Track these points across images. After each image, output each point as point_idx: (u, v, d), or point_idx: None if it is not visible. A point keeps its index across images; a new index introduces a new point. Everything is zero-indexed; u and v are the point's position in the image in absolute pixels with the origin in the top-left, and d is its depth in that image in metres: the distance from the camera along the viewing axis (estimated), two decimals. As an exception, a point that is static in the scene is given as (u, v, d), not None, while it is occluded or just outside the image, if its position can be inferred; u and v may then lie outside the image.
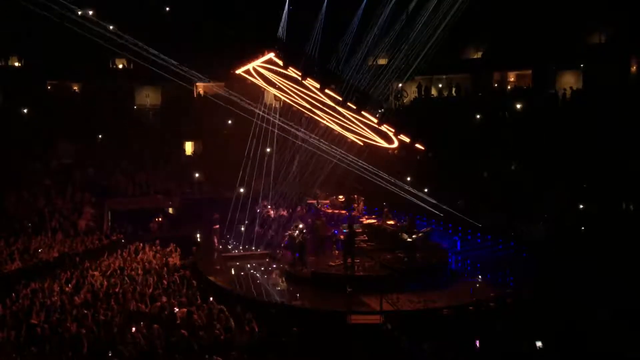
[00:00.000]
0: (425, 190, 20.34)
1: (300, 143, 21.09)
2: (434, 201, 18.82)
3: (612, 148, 21.45)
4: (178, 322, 12.14)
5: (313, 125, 20.87)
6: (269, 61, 15.13)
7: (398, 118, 15.42)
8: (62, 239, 21.97)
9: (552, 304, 13.67)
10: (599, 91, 27.04)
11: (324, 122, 19.61)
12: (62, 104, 32.21)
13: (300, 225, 17.78)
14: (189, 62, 19.54)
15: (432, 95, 33.19)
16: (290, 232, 17.58)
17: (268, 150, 22.23)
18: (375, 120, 15.18)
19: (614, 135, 21.69)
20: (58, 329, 11.86)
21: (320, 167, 20.59)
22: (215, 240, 20.80)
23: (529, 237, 19.75)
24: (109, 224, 25.82)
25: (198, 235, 22.49)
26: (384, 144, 17.96)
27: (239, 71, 18.44)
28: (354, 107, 14.94)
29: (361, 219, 19.58)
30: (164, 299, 13.74)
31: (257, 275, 17.35)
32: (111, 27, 17.84)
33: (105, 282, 15.81)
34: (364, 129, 17.13)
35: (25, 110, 31.47)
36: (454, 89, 32.92)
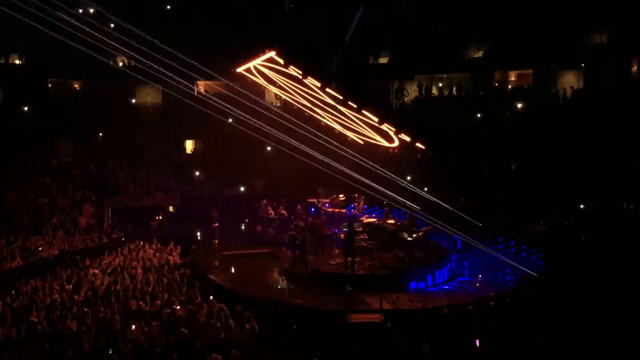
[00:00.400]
0: (425, 189, 20.32)
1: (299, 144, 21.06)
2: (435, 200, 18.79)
3: (613, 148, 21.46)
4: (178, 320, 12.16)
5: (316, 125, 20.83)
6: (270, 60, 15.14)
7: (399, 117, 15.42)
8: (63, 236, 21.95)
9: (552, 303, 13.71)
10: (599, 91, 27.07)
11: (325, 120, 19.60)
12: (63, 102, 32.22)
13: (301, 224, 17.78)
14: (190, 60, 19.52)
15: (433, 94, 33.17)
16: (291, 232, 17.57)
17: (269, 148, 22.24)
18: (376, 119, 15.19)
19: (615, 135, 21.70)
20: (58, 326, 11.88)
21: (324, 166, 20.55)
22: (215, 239, 20.80)
23: (529, 237, 19.76)
24: (110, 222, 25.82)
25: (198, 234, 22.49)
26: (385, 143, 17.97)
27: (239, 69, 18.44)
28: (355, 106, 14.94)
29: (361, 218, 19.58)
30: (165, 297, 13.76)
31: (258, 273, 17.35)
32: (112, 25, 17.85)
33: (106, 280, 15.83)
34: (364, 128, 17.14)
35: (26, 109, 31.46)
36: (454, 88, 32.89)
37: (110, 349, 10.61)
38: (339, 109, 16.30)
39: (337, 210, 21.18)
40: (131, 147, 30.22)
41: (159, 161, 30.08)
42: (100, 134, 31.48)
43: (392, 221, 18.67)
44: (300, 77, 14.73)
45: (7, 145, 26.98)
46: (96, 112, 30.77)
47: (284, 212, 21.86)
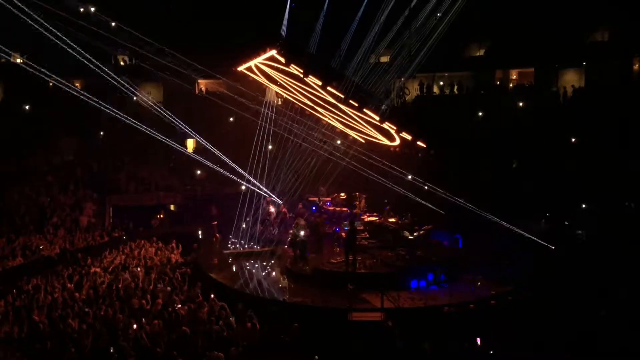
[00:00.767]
0: (426, 187, 20.33)
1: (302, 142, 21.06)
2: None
3: (614, 146, 21.44)
4: (180, 318, 12.18)
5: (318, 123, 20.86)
6: (271, 58, 15.09)
7: (400, 115, 15.40)
8: (64, 235, 21.99)
9: (552, 302, 13.70)
10: (600, 89, 27.04)
11: (326, 119, 19.60)
12: (64, 101, 32.23)
13: (302, 223, 17.77)
14: (191, 59, 19.56)
15: (434, 93, 33.16)
16: (292, 231, 17.58)
17: (270, 147, 22.21)
18: (378, 118, 15.15)
19: (616, 134, 21.68)
20: (60, 325, 11.90)
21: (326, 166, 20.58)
22: (215, 237, 20.80)
23: (530, 235, 19.73)
24: (111, 220, 25.87)
25: (199, 232, 22.50)
26: (386, 142, 17.95)
27: (240, 68, 18.41)
28: (356, 105, 14.90)
29: (362, 217, 19.59)
30: (166, 295, 13.78)
31: (259, 272, 17.36)
32: (113, 24, 17.86)
33: (107, 279, 15.85)
34: (365, 127, 17.12)
35: (27, 107, 31.50)
36: (455, 87, 32.88)
37: (112, 348, 10.62)
38: (340, 108, 16.27)
39: (338, 208, 21.18)
40: (132, 145, 30.24)
41: (159, 160, 30.12)
42: (102, 133, 31.52)
43: (393, 220, 18.68)
44: (302, 75, 14.70)
45: (9, 144, 27.02)
46: (97, 111, 30.79)
47: (285, 210, 21.85)
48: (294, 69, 14.41)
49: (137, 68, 31.90)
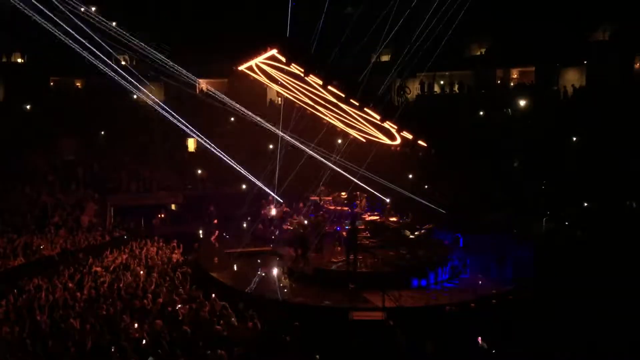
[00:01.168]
0: (426, 187, 20.36)
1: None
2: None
3: (615, 145, 21.41)
4: (180, 318, 12.18)
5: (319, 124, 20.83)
6: (272, 57, 15.08)
7: (401, 115, 15.38)
8: (65, 235, 22.00)
9: (553, 301, 13.69)
10: (602, 88, 27.00)
11: (327, 118, 19.58)
12: (65, 100, 32.25)
13: (301, 218, 17.77)
14: (191, 58, 19.54)
15: (435, 92, 33.13)
16: (293, 227, 17.57)
17: (270, 147, 22.23)
18: (378, 117, 15.14)
19: (617, 132, 21.65)
20: (61, 324, 11.90)
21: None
22: (215, 237, 20.81)
23: (531, 234, 19.74)
24: (112, 220, 25.88)
25: (200, 232, 22.52)
26: (387, 141, 17.94)
27: (241, 68, 18.40)
28: (357, 104, 14.89)
29: (363, 216, 19.58)
30: (167, 295, 13.78)
31: (260, 272, 17.36)
32: (114, 24, 17.84)
33: (108, 278, 15.85)
34: (366, 126, 17.12)
35: (28, 107, 31.50)
36: (456, 86, 32.85)
37: (113, 347, 10.62)
38: (341, 107, 16.26)
39: (339, 208, 21.17)
40: (133, 145, 30.27)
41: (161, 159, 30.14)
42: (102, 132, 31.54)
43: (394, 219, 18.68)
44: (302, 74, 14.69)
45: (10, 144, 27.03)
46: (98, 110, 30.83)
47: (287, 209, 21.86)
48: (294, 68, 14.41)
49: (137, 67, 31.90)
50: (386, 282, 14.47)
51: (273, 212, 21.46)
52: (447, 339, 11.82)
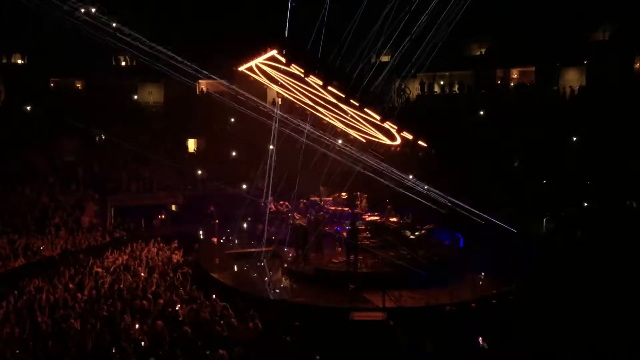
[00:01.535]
0: (426, 187, 20.32)
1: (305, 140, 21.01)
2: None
3: (615, 145, 21.42)
4: (181, 318, 12.19)
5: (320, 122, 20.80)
6: (272, 58, 15.08)
7: (401, 115, 15.39)
8: (66, 235, 22.00)
9: (553, 301, 13.70)
10: (602, 88, 27.02)
11: (327, 118, 19.58)
12: (65, 101, 32.28)
13: (303, 220, 17.77)
14: (191, 58, 19.51)
15: (435, 92, 33.15)
16: (293, 225, 17.57)
17: (271, 147, 22.20)
18: (379, 117, 15.14)
19: (617, 132, 21.65)
20: (62, 325, 11.91)
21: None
22: (214, 237, 20.78)
23: (531, 234, 19.74)
24: (112, 220, 25.89)
25: (200, 232, 22.51)
26: (387, 141, 17.93)
27: (241, 68, 18.40)
28: (357, 104, 14.89)
29: (364, 216, 19.58)
30: (167, 295, 13.78)
31: (260, 272, 17.37)
32: (114, 24, 17.83)
33: (109, 279, 15.85)
34: (366, 126, 17.11)
35: (28, 107, 31.54)
36: (456, 86, 32.87)
37: (114, 348, 10.63)
38: (341, 107, 16.26)
39: (339, 208, 21.16)
40: (133, 145, 30.28)
41: (161, 160, 30.14)
42: (101, 135, 31.54)
43: (394, 219, 18.68)
44: (302, 75, 14.69)
45: (10, 144, 27.05)
46: (98, 111, 30.85)
47: (286, 209, 21.82)
48: (294, 68, 14.41)
49: (138, 68, 31.93)
50: (386, 282, 14.47)
51: (273, 209, 21.40)
52: (448, 339, 11.82)
